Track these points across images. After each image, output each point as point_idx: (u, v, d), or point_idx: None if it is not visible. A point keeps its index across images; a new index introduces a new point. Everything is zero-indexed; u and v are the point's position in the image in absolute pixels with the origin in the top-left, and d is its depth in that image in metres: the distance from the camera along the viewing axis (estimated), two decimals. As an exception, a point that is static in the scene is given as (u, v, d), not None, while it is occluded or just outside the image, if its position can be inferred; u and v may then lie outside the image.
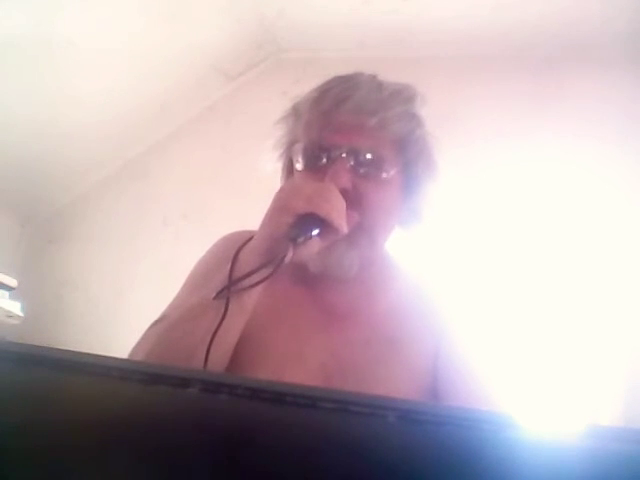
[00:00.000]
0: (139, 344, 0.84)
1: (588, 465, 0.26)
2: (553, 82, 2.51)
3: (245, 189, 2.40)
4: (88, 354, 0.32)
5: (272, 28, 2.79)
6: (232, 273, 0.77)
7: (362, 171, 0.85)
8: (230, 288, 0.76)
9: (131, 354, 0.82)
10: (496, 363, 0.92)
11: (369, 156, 0.86)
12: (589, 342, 2.22)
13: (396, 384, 0.86)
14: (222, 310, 0.76)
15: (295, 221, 0.76)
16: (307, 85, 0.94)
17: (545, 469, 0.26)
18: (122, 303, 2.72)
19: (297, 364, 0.86)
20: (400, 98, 0.89)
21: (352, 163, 0.85)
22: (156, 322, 0.88)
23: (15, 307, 2.44)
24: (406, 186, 0.91)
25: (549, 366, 2.19)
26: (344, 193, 0.81)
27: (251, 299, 0.79)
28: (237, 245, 0.81)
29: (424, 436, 0.27)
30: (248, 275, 0.76)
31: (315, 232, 0.77)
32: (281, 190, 0.82)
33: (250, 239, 0.81)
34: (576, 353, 2.21)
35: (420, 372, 0.88)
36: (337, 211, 0.77)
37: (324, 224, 0.77)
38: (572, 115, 2.42)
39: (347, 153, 0.85)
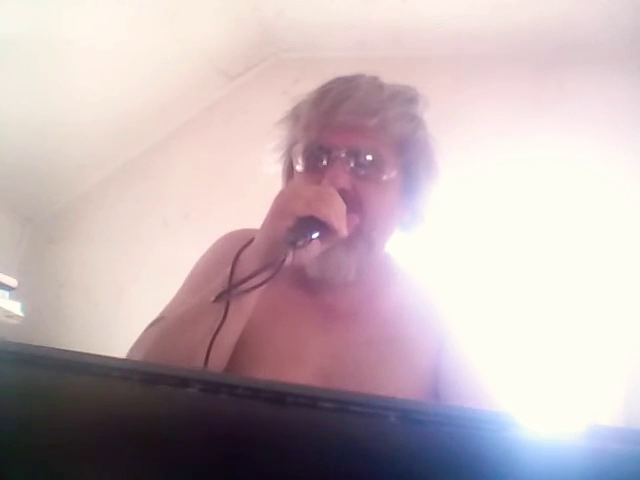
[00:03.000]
0: (137, 344, 0.84)
1: (588, 465, 0.26)
2: (554, 82, 2.51)
3: (245, 189, 2.40)
4: (88, 354, 0.32)
5: (272, 28, 2.79)
6: (232, 275, 0.77)
7: (362, 173, 0.85)
8: (230, 292, 0.76)
9: (129, 354, 0.82)
10: (497, 363, 0.92)
11: (369, 157, 0.85)
12: (589, 342, 2.22)
13: (397, 385, 0.85)
14: (222, 312, 0.76)
15: (295, 224, 0.76)
16: (307, 85, 0.94)
17: (545, 469, 0.26)
18: (122, 303, 2.72)
19: (296, 365, 0.85)
20: (401, 99, 0.89)
21: (352, 165, 0.85)
22: (155, 322, 0.87)
23: (15, 307, 2.44)
24: (407, 188, 0.91)
25: (549, 366, 2.19)
26: (343, 194, 0.81)
27: (251, 301, 0.79)
28: (238, 245, 0.81)
29: (424, 436, 0.27)
30: (248, 278, 0.76)
31: (315, 235, 0.76)
32: (281, 193, 0.81)
33: (251, 240, 0.81)
34: (576, 353, 2.21)
35: (422, 373, 0.88)
36: (336, 214, 0.77)
37: (324, 227, 0.77)
38: (573, 115, 2.42)
39: (347, 154, 0.84)
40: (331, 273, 0.86)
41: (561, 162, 2.39)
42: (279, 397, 0.28)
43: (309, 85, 0.93)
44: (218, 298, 0.76)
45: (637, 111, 2.37)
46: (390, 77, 0.93)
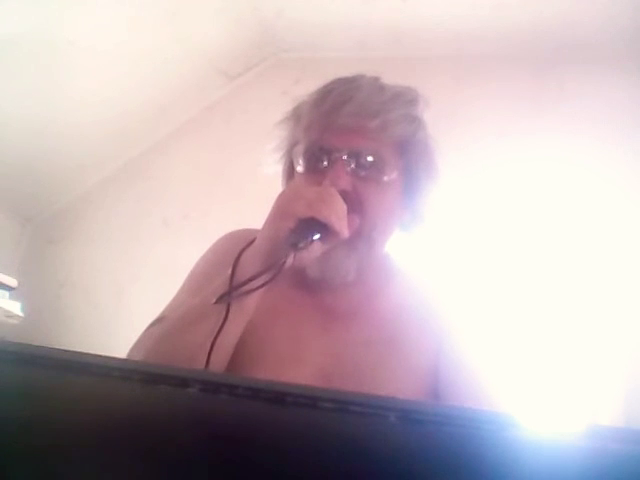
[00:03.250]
0: (138, 344, 0.84)
1: (588, 465, 0.26)
2: (554, 82, 2.51)
3: (245, 189, 2.40)
4: (88, 354, 0.32)
5: (272, 28, 2.79)
6: (233, 277, 0.77)
7: (363, 174, 0.85)
8: (231, 294, 0.76)
9: (130, 354, 0.82)
10: (497, 363, 0.92)
11: (370, 159, 0.85)
12: (589, 342, 2.22)
13: (397, 385, 0.85)
14: (223, 313, 0.76)
15: (296, 225, 0.76)
16: (307, 85, 0.94)
17: (545, 469, 0.26)
18: (122, 303, 2.72)
19: (296, 365, 0.86)
20: (402, 100, 0.89)
21: (353, 166, 0.85)
22: (155, 322, 0.87)
23: (15, 307, 2.44)
24: (407, 189, 0.91)
25: (549, 366, 2.19)
26: (344, 195, 0.81)
27: (252, 302, 0.79)
28: (239, 246, 0.81)
29: (424, 436, 0.27)
30: (249, 281, 0.76)
31: (316, 237, 0.77)
32: (282, 194, 0.82)
33: (252, 241, 0.81)
34: (576, 353, 2.21)
35: (421, 373, 0.88)
36: (337, 215, 0.77)
37: (325, 228, 0.77)
38: (573, 115, 2.42)
39: (348, 155, 0.84)
40: (331, 273, 0.86)
41: (561, 162, 2.39)
42: (279, 397, 0.28)
43: (309, 85, 0.93)
44: (219, 300, 0.76)
45: (637, 111, 2.37)
46: (390, 77, 0.92)
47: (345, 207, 0.79)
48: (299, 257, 0.76)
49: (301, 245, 0.75)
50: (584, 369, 2.19)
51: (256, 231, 0.82)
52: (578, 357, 2.21)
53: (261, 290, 0.77)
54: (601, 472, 0.26)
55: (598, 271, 2.27)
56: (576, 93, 2.46)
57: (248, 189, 2.15)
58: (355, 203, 0.83)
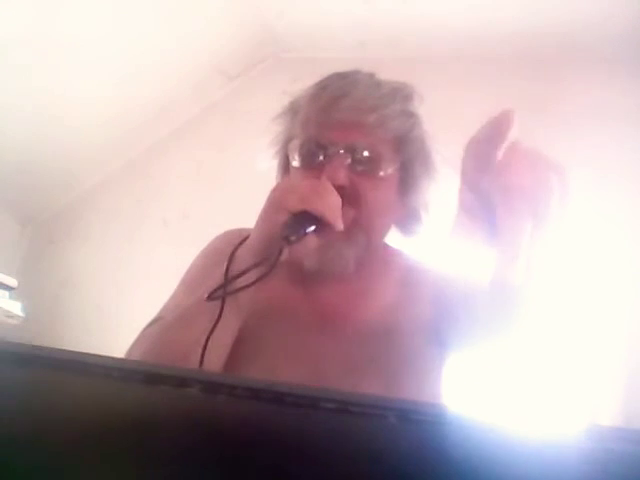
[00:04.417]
0: (135, 345, 0.83)
1: (588, 465, 0.26)
2: (554, 82, 2.51)
3: (245, 189, 2.40)
4: (88, 354, 0.32)
5: (272, 28, 2.80)
6: (228, 273, 0.77)
7: (359, 169, 0.85)
8: (225, 287, 0.76)
9: (127, 354, 0.82)
10: (496, 363, 0.92)
11: (366, 154, 0.85)
12: (588, 342, 2.22)
13: (395, 382, 0.85)
14: (217, 311, 0.75)
15: (289, 219, 0.75)
16: (306, 85, 0.94)
17: (545, 469, 0.26)
18: (122, 303, 2.72)
19: (292, 363, 0.85)
20: (398, 96, 0.89)
21: (349, 160, 0.84)
22: (151, 323, 0.87)
23: (15, 307, 2.44)
24: (404, 185, 0.91)
25: (548, 366, 2.19)
26: (341, 190, 0.80)
27: (246, 299, 0.79)
28: (232, 244, 0.81)
29: (424, 436, 0.27)
30: (243, 274, 0.75)
31: (310, 229, 0.76)
32: (275, 188, 0.81)
33: (246, 238, 0.81)
34: (575, 353, 2.21)
35: (420, 364, 0.88)
36: (331, 208, 0.77)
37: (319, 221, 0.77)
38: (573, 115, 2.42)
39: (344, 150, 0.84)
40: (329, 265, 0.86)
41: (560, 161, 2.38)
42: (279, 397, 0.28)
43: (308, 85, 0.94)
44: (213, 295, 0.76)
45: (637, 111, 2.37)
46: (390, 77, 0.92)
47: (339, 199, 0.78)
48: (294, 251, 0.76)
49: (294, 238, 0.74)
50: (584, 369, 2.19)
51: (250, 230, 0.82)
52: (578, 357, 2.21)
53: (255, 286, 0.77)
54: (601, 472, 0.26)
55: (598, 271, 2.27)
56: (576, 93, 2.46)
57: (248, 189, 2.15)
58: (352, 198, 0.83)
